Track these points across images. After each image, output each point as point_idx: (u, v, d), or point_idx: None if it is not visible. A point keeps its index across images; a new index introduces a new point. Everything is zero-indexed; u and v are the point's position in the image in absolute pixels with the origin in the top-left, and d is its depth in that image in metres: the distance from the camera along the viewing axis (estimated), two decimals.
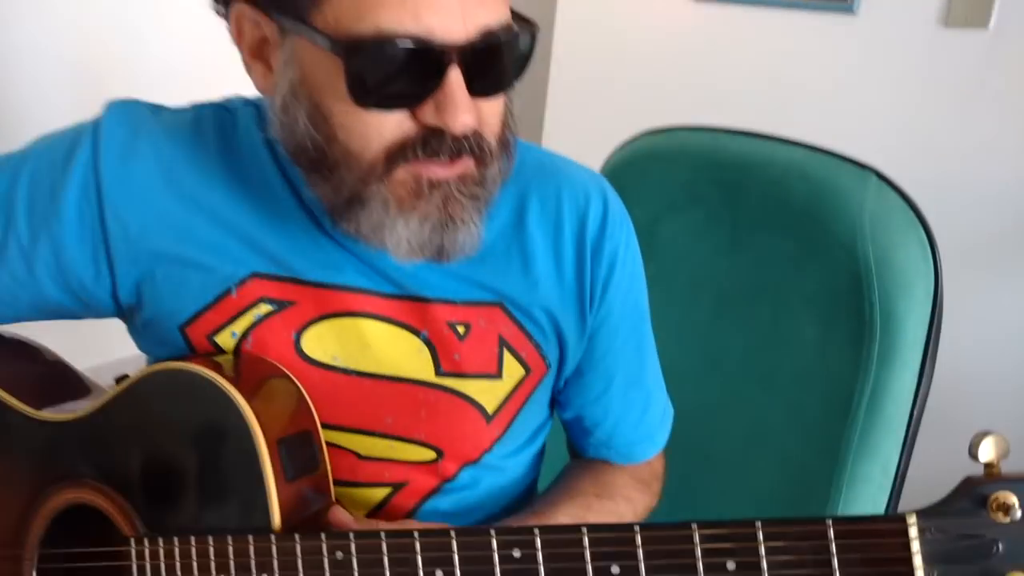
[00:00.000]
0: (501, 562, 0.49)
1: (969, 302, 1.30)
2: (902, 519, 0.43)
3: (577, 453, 0.75)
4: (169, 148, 0.61)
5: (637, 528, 0.47)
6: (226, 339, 0.60)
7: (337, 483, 0.62)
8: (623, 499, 0.70)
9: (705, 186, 0.96)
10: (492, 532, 0.49)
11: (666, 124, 1.03)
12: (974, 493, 0.44)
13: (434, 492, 0.67)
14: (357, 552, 0.52)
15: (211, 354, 0.59)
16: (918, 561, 0.43)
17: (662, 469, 0.77)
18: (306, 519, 0.55)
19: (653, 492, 0.74)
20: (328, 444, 0.61)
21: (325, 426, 0.62)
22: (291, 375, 0.58)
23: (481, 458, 0.67)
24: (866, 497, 0.82)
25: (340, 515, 0.58)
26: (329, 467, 0.60)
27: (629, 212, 0.70)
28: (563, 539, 0.48)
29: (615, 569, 0.47)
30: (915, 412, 0.82)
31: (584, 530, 0.47)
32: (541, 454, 0.76)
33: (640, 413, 0.72)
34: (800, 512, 0.90)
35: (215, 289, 0.60)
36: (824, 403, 0.86)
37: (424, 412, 0.64)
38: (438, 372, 0.64)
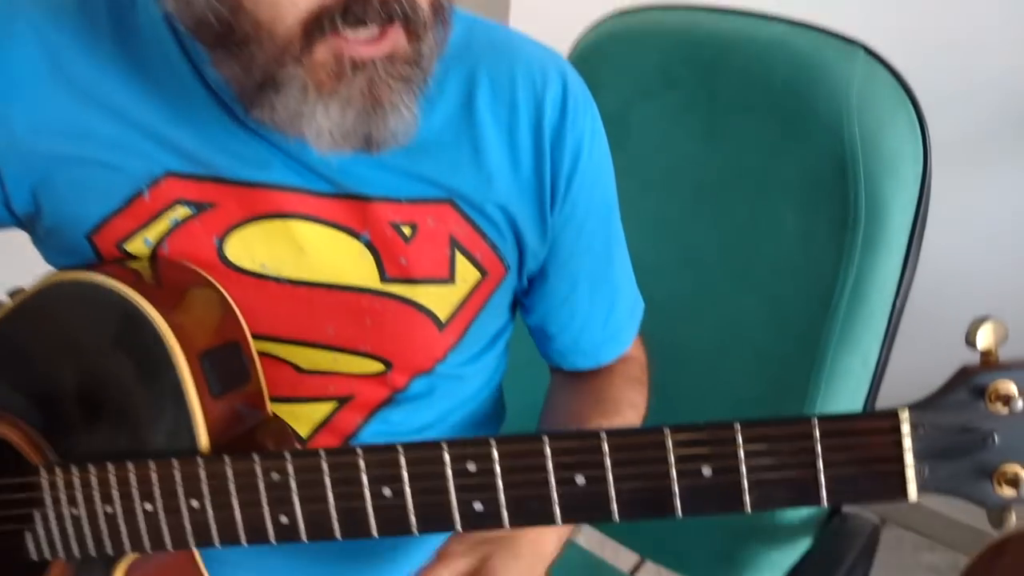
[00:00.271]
0: (455, 477, 0.45)
1: (955, 198, 1.25)
2: (893, 415, 0.39)
3: (550, 361, 0.71)
4: (53, 31, 0.52)
5: (603, 435, 0.42)
6: (139, 246, 0.54)
7: (276, 399, 0.57)
8: (629, 407, 0.66)
9: (680, 68, 0.88)
10: (444, 445, 0.45)
11: (638, 3, 0.96)
12: (971, 384, 0.39)
13: (385, 404, 0.62)
14: (295, 473, 0.47)
15: (121, 261, 0.53)
16: (909, 459, 0.39)
17: (645, 357, 0.73)
18: (239, 437, 0.50)
19: (646, 385, 0.71)
20: (263, 356, 0.56)
21: (257, 337, 0.56)
22: (213, 280, 0.53)
23: (435, 368, 0.62)
24: (846, 392, 0.79)
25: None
26: (263, 380, 0.55)
27: (598, 98, 0.63)
28: (522, 450, 0.43)
29: (580, 479, 0.43)
30: (898, 302, 0.79)
31: (545, 439, 0.43)
32: (504, 354, 0.72)
33: (607, 312, 0.67)
34: (778, 410, 0.88)
35: (123, 191, 0.53)
36: (804, 295, 0.82)
37: (369, 322, 0.59)
38: (383, 278, 0.58)
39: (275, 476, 0.48)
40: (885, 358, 0.79)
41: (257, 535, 0.49)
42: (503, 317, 0.67)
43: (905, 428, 0.39)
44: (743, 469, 0.41)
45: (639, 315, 0.72)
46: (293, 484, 0.48)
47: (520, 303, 0.68)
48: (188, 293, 0.51)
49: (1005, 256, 1.47)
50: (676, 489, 0.42)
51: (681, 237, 0.89)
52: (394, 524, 0.47)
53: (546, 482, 0.43)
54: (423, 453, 0.45)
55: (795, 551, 0.82)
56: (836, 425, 0.40)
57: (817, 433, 0.40)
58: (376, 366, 0.60)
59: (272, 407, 0.59)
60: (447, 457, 0.45)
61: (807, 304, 0.83)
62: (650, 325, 0.74)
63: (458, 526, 0.46)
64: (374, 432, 0.62)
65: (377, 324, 0.59)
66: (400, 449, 0.45)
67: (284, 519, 0.48)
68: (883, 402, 0.82)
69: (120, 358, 0.47)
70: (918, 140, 0.77)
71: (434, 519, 0.46)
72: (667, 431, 0.41)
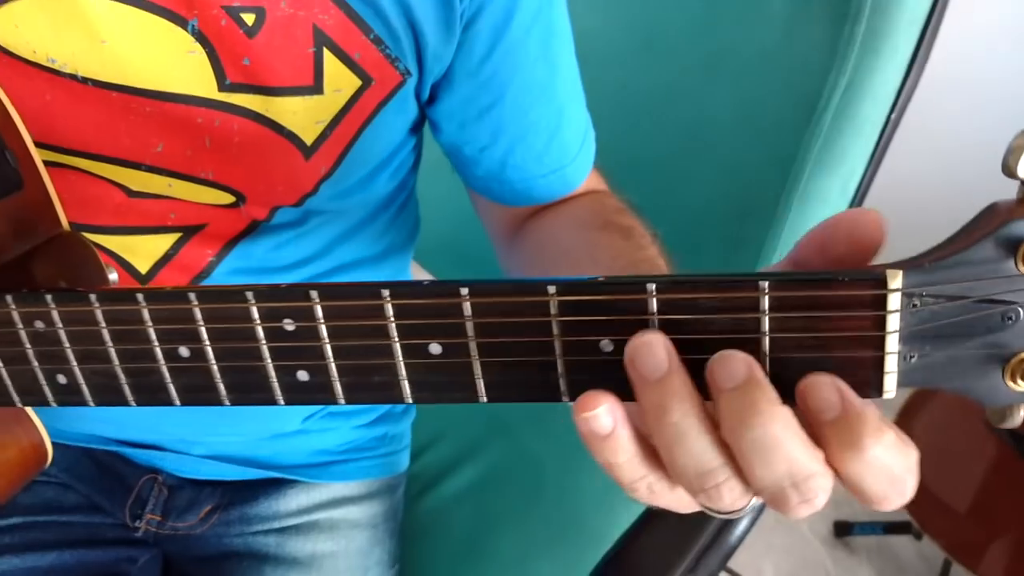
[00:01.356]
0: (268, 338, 0.33)
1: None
2: (879, 280, 0.27)
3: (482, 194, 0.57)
4: None
5: (464, 291, 0.30)
6: None
7: (105, 229, 0.46)
8: (638, 231, 0.53)
9: None
10: (250, 295, 0.32)
11: None
12: (1003, 233, 0.27)
13: (243, 235, 0.49)
14: (63, 323, 0.35)
15: None
16: (892, 342, 0.28)
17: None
18: (15, 262, 0.38)
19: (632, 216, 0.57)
20: (82, 173, 0.44)
21: (62, 150, 0.44)
22: None
23: (302, 202, 0.49)
24: (819, 216, 0.67)
25: None
26: (52, 192, 0.42)
27: None
28: (356, 307, 0.31)
29: (435, 348, 0.31)
30: (893, 115, 0.65)
31: (386, 294, 0.31)
32: (412, 172, 0.58)
33: (547, 138, 0.53)
34: (740, 234, 0.77)
35: None
36: (785, 96, 0.68)
37: (209, 142, 0.45)
38: (222, 85, 0.43)
39: (39, 325, 0.36)
40: (867, 185, 0.67)
41: (34, 396, 0.38)
42: (399, 135, 0.52)
43: (894, 301, 0.27)
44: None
45: (591, 148, 0.57)
46: (64, 337, 0.36)
47: (427, 118, 0.53)
48: None
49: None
50: (561, 368, 0.30)
51: (642, 14, 0.73)
52: (200, 393, 0.35)
53: (390, 350, 0.32)
54: (224, 304, 0.33)
55: None
56: (795, 293, 0.28)
57: (766, 303, 0.28)
58: (225, 197, 0.47)
59: (102, 239, 0.47)
60: (255, 312, 0.32)
61: (786, 108, 0.69)
62: (601, 125, 0.60)
63: (279, 398, 0.34)
64: (231, 269, 0.50)
65: (219, 147, 0.45)
66: (194, 297, 0.33)
67: (62, 379, 0.37)
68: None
69: None
70: None
71: (248, 389, 0.34)
72: (553, 290, 0.29)
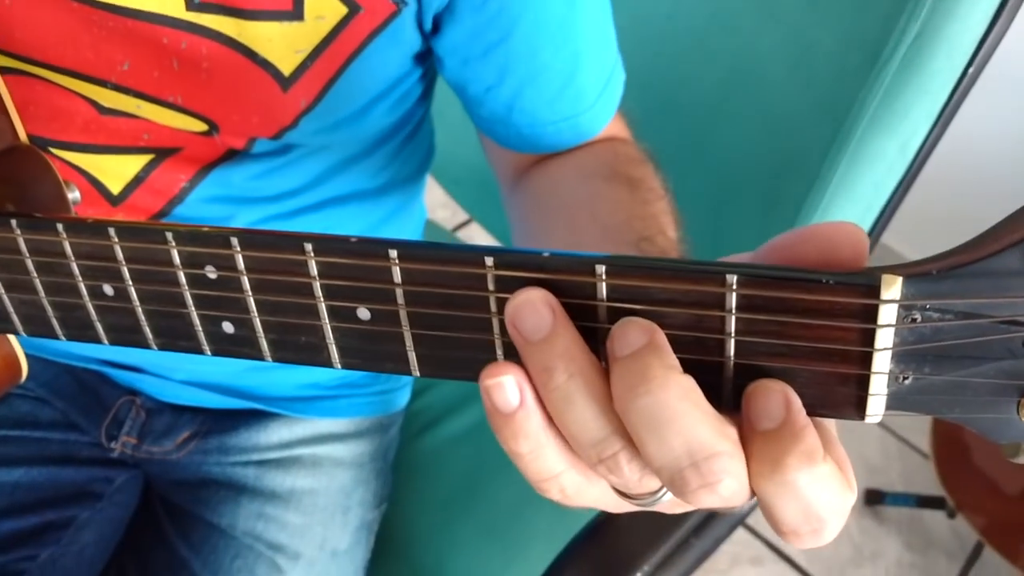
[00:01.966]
0: (191, 284, 0.30)
1: None
2: (871, 287, 0.23)
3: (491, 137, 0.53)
4: None
5: (394, 255, 0.26)
6: None
7: (75, 146, 0.43)
8: (646, 184, 0.49)
9: None
10: (170, 238, 0.29)
11: None
12: None
13: (220, 161, 0.46)
14: None
15: None
16: (882, 361, 0.23)
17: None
18: None
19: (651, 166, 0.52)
20: (48, 84, 0.42)
21: (18, 56, 0.41)
22: None
23: (282, 135, 0.45)
24: (869, 180, 0.61)
25: None
26: (9, 100, 0.39)
27: None
28: (280, 260, 0.28)
29: (363, 314, 0.28)
30: (969, 71, 0.58)
31: (310, 249, 0.27)
32: (420, 104, 0.54)
33: (560, 83, 0.47)
34: (779, 189, 0.71)
35: None
36: (845, 41, 0.61)
37: (177, 65, 0.41)
38: (190, 4, 0.40)
39: None
40: (929, 149, 0.60)
41: None
42: (396, 69, 0.47)
43: (887, 313, 0.23)
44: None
45: (616, 89, 0.51)
46: None
47: (433, 53, 0.49)
48: None
49: None
50: (501, 350, 0.26)
51: None
52: (126, 334, 0.33)
53: (315, 310, 0.28)
54: (145, 244, 0.30)
55: None
56: (766, 294, 0.23)
57: (733, 301, 0.24)
58: (196, 124, 0.44)
59: (73, 156, 0.45)
60: (176, 256, 0.30)
61: (846, 54, 0.62)
62: (637, 56, 0.55)
63: (206, 349, 0.32)
64: (207, 197, 0.47)
65: (188, 71, 0.41)
66: (113, 233, 0.30)
67: None
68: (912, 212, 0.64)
69: None
70: None
71: (174, 335, 0.32)
72: (489, 260, 0.25)
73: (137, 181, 0.46)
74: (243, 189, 0.48)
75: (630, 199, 0.45)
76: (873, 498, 1.39)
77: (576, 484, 0.25)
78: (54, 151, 0.45)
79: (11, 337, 0.48)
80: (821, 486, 0.22)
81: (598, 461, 0.24)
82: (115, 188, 0.46)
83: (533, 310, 0.24)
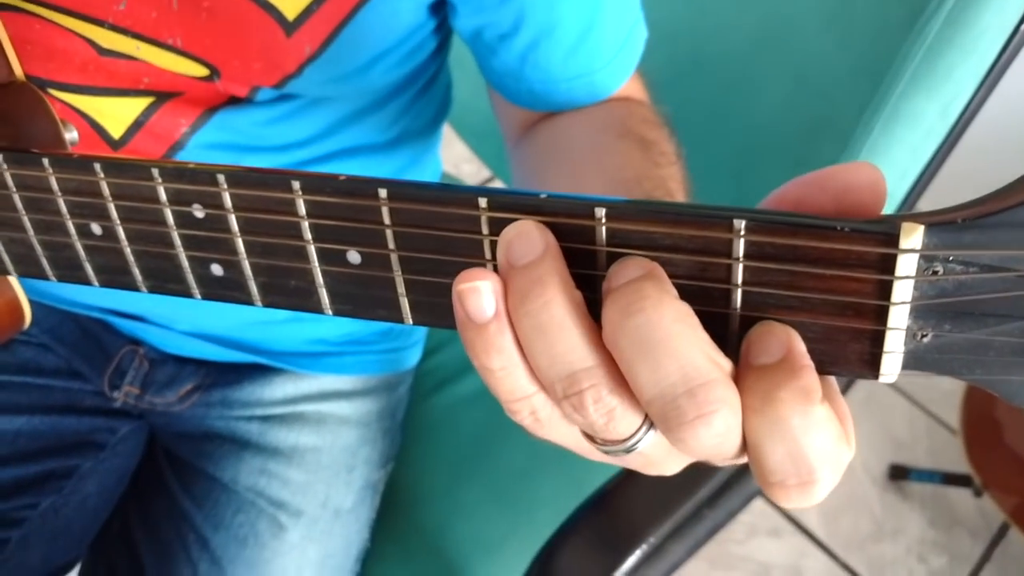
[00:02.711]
0: (179, 224, 0.29)
1: None
2: (890, 235, 0.21)
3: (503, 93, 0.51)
4: None
5: (384, 195, 0.25)
6: None
7: (74, 88, 0.43)
8: (659, 147, 0.47)
9: None
10: (156, 174, 0.28)
11: None
12: None
13: (223, 106, 0.45)
14: None
15: None
16: (899, 316, 0.22)
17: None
18: None
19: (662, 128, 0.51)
20: (45, 20, 0.41)
21: None
22: None
23: (284, 84, 0.44)
24: (906, 144, 0.58)
25: None
26: (3, 35, 0.38)
27: None
28: (267, 199, 0.27)
29: (353, 257, 0.27)
30: (1020, 29, 0.55)
31: (297, 187, 0.27)
32: (438, 50, 0.53)
33: (576, 37, 0.46)
34: (810, 151, 0.69)
35: None
36: None
37: (176, 5, 0.41)
38: None
39: None
40: (973, 113, 0.57)
41: None
42: (409, 19, 0.46)
43: (906, 264, 0.21)
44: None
45: (636, 47, 0.50)
46: None
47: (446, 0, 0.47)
48: None
49: None
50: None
51: None
52: (116, 275, 0.32)
53: (305, 253, 0.28)
54: (131, 180, 0.29)
55: None
56: (777, 241, 0.22)
57: (741, 247, 0.22)
58: (197, 68, 0.43)
59: (72, 98, 0.44)
60: (163, 193, 0.29)
61: (887, 7, 0.60)
62: (663, 7, 0.53)
63: (195, 292, 0.31)
64: (208, 143, 0.46)
65: (187, 11, 0.40)
66: (99, 168, 0.29)
67: None
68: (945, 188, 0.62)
69: None
70: None
71: (163, 278, 0.31)
72: (483, 201, 0.24)
73: (137, 125, 0.45)
74: (247, 136, 0.47)
75: (641, 158, 0.43)
76: (898, 473, 1.37)
77: (548, 410, 0.24)
78: (53, 92, 0.44)
79: (14, 282, 0.48)
80: (815, 430, 0.21)
81: (563, 397, 0.23)
82: (116, 132, 0.46)
83: (525, 239, 0.23)
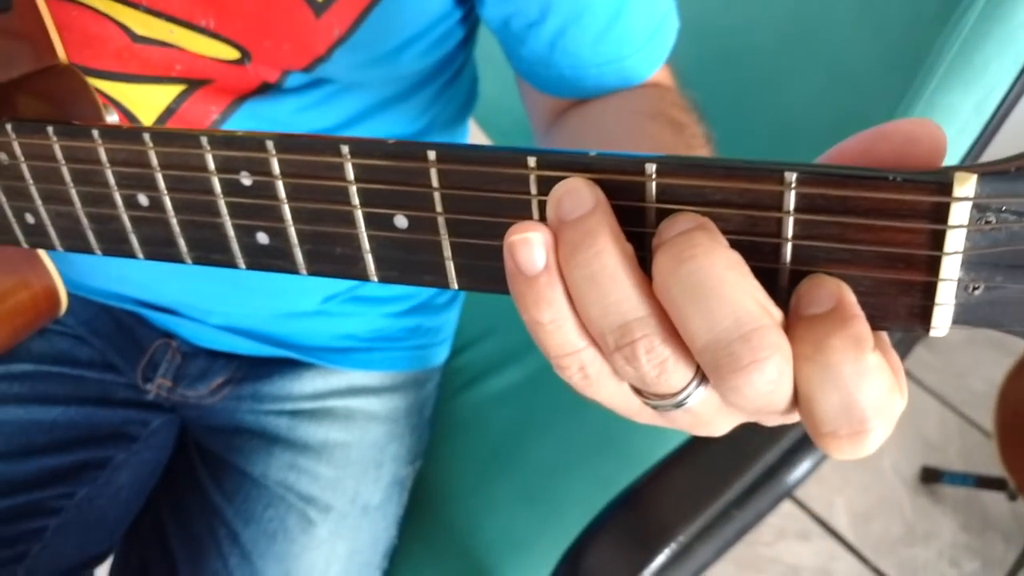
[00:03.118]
0: (226, 192, 0.30)
1: None
2: (943, 184, 0.21)
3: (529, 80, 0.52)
4: None
5: (432, 156, 0.26)
6: None
7: (107, 75, 0.44)
8: (691, 129, 0.48)
9: None
10: (205, 142, 0.29)
11: None
12: None
13: (253, 94, 0.46)
14: (24, 156, 0.33)
15: None
16: (951, 266, 0.22)
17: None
18: (6, 89, 0.37)
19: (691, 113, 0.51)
20: (84, 7, 0.42)
21: None
22: None
23: (315, 67, 0.45)
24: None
25: None
26: (48, 18, 0.40)
27: None
28: (318, 163, 0.28)
29: (401, 221, 0.28)
30: None
31: (346, 151, 0.27)
32: (465, 40, 0.53)
33: (606, 22, 0.47)
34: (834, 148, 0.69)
35: None
36: None
37: None
38: None
39: (3, 158, 0.34)
40: (1009, 107, 0.57)
41: (6, 235, 0.37)
42: (438, 7, 0.47)
43: (959, 213, 0.22)
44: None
45: (667, 35, 0.50)
46: (26, 172, 0.34)
47: None
48: None
49: None
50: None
51: None
52: (161, 247, 0.33)
53: (351, 218, 0.28)
54: (179, 149, 0.30)
55: None
56: (828, 192, 0.22)
57: (792, 199, 0.23)
58: (229, 52, 0.44)
59: (105, 84, 0.45)
60: (211, 161, 0.30)
61: (919, 1, 0.60)
62: (687, 14, 0.54)
63: (240, 262, 0.32)
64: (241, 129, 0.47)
65: None
66: (148, 139, 0.30)
67: (30, 218, 0.36)
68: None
69: None
70: None
71: (209, 248, 0.32)
72: (531, 161, 0.25)
73: (168, 112, 0.46)
74: (276, 125, 0.48)
75: (674, 140, 0.44)
76: (930, 476, 1.35)
77: (597, 366, 0.24)
78: (80, 72, 0.46)
79: (51, 270, 0.50)
80: (867, 378, 0.21)
81: (615, 348, 0.23)
82: (147, 119, 0.47)
83: (575, 195, 0.23)
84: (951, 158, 0.61)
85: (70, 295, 0.49)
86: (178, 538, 0.58)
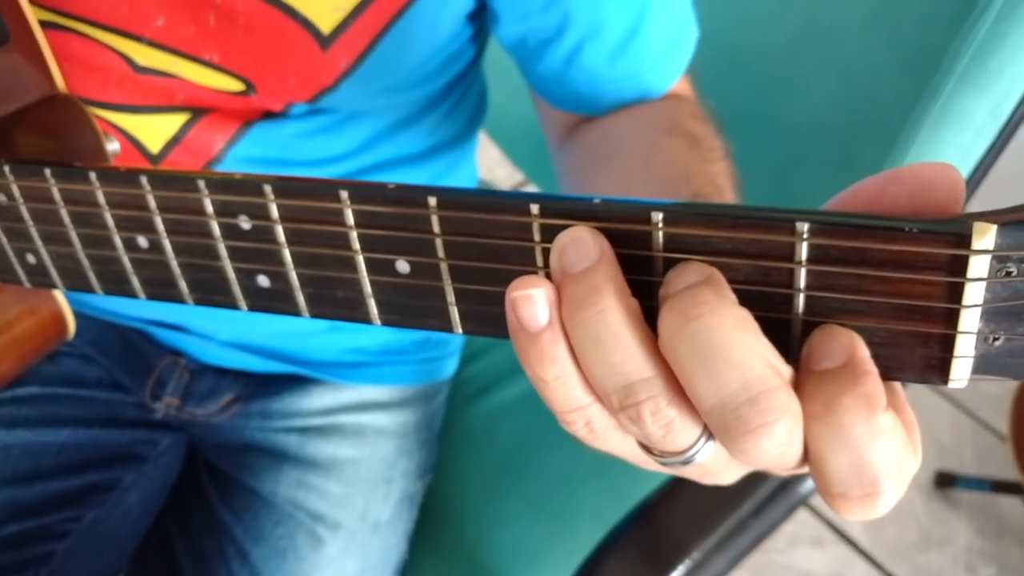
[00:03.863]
0: (225, 236, 0.30)
1: None
2: (962, 236, 0.21)
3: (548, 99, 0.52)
4: None
5: (433, 203, 0.25)
6: None
7: (112, 106, 0.43)
8: (707, 142, 0.47)
9: None
10: (203, 186, 0.29)
11: None
12: None
13: (258, 121, 0.46)
14: (23, 198, 0.33)
15: None
16: (970, 319, 0.22)
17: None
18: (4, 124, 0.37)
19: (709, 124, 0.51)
20: (85, 37, 0.42)
21: (54, 10, 0.41)
22: None
23: (320, 98, 0.45)
24: (955, 145, 0.57)
25: None
26: (47, 49, 0.39)
27: None
28: (316, 209, 0.27)
29: (402, 266, 0.27)
30: None
31: (345, 196, 0.27)
32: (475, 59, 0.53)
33: (623, 37, 0.46)
34: (855, 152, 0.68)
35: None
36: None
37: (213, 21, 0.41)
38: None
39: (2, 199, 0.34)
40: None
41: (9, 275, 0.37)
42: (447, 29, 0.46)
43: (978, 266, 0.21)
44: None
45: (686, 46, 0.49)
46: (26, 214, 0.34)
47: (486, 7, 0.47)
48: None
49: None
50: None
51: None
52: (163, 288, 0.33)
53: (353, 263, 0.28)
54: (177, 192, 0.30)
55: None
56: (842, 244, 0.22)
57: (804, 249, 0.22)
58: (233, 84, 0.43)
59: (111, 116, 0.45)
60: (209, 205, 0.29)
61: (934, 4, 0.59)
62: (702, 4, 0.53)
63: (241, 304, 0.31)
64: (245, 157, 0.47)
65: (224, 27, 0.41)
66: (145, 182, 0.30)
67: (31, 259, 0.35)
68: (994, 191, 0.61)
69: None
70: None
71: (210, 290, 0.32)
72: (535, 208, 0.24)
73: (175, 141, 0.46)
74: (284, 149, 0.47)
75: (688, 154, 0.43)
76: (944, 481, 1.34)
77: (603, 421, 0.24)
78: (91, 111, 0.45)
79: (58, 295, 0.49)
80: (879, 439, 0.21)
81: (620, 408, 0.22)
82: (154, 147, 0.46)
83: (579, 245, 0.23)
84: (968, 164, 0.60)
85: (76, 314, 0.49)
86: (187, 557, 0.58)
